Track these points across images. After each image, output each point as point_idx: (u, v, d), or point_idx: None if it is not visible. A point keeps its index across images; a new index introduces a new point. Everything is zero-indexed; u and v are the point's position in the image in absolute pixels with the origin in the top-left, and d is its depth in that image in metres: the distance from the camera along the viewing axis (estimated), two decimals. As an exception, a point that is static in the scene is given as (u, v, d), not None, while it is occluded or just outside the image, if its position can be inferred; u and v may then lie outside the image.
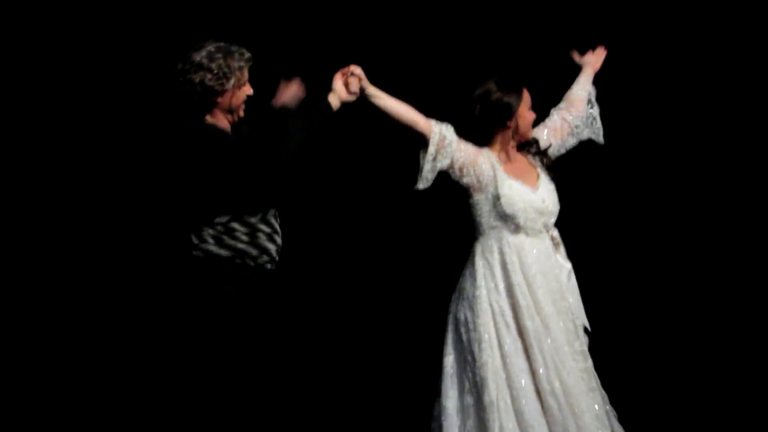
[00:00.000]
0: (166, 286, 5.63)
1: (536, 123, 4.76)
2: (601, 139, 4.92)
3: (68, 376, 5.84)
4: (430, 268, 5.93)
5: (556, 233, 4.68)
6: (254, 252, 4.32)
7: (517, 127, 4.67)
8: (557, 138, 4.81)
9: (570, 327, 4.58)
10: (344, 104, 4.48)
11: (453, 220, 4.70)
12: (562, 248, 4.69)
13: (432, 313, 4.93)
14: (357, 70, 4.50)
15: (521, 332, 4.54)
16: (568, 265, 4.67)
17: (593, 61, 5.02)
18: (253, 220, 4.32)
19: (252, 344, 4.29)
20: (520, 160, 4.73)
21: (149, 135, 5.76)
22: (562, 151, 4.82)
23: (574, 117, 4.86)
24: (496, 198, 4.59)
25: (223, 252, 4.29)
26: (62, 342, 5.86)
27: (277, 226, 4.40)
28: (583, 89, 4.93)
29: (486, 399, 4.47)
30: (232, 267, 4.29)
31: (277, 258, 4.40)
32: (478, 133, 4.66)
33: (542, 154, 4.75)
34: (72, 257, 5.89)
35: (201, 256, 4.30)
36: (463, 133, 4.63)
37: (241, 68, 4.33)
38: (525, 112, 4.67)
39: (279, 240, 4.41)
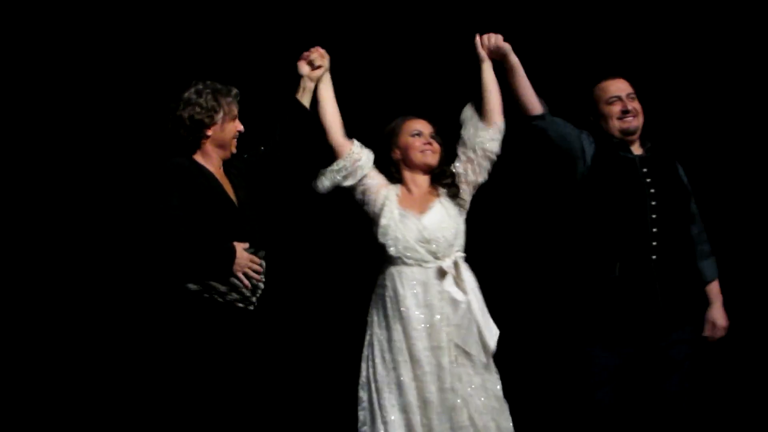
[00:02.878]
0: (140, 320, 5.60)
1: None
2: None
3: (44, 409, 5.82)
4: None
5: (449, 262, 4.69)
6: (222, 288, 4.38)
7: (407, 159, 4.84)
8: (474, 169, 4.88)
9: (444, 363, 4.59)
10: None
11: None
12: (464, 276, 4.68)
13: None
14: (321, 51, 4.77)
15: (394, 366, 4.64)
16: (460, 296, 4.64)
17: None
18: None
19: (206, 380, 4.35)
20: (424, 191, 4.85)
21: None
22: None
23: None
24: (376, 228, 4.75)
25: (192, 286, 4.36)
26: (37, 380, 5.82)
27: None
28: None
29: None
30: (198, 301, 4.35)
31: (252, 298, 4.45)
32: (387, 169, 4.88)
33: (452, 185, 4.84)
34: (51, 289, 5.83)
35: (173, 290, 4.37)
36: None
37: (229, 103, 4.50)
38: (407, 140, 4.84)
39: (254, 280, 4.45)
